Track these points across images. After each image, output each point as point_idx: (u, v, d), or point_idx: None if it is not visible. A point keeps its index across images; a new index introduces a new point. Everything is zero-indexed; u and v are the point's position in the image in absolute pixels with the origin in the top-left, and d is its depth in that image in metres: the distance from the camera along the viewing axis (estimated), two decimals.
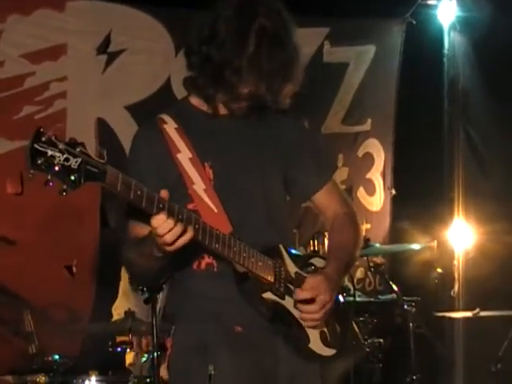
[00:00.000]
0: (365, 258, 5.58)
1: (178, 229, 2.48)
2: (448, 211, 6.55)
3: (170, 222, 2.46)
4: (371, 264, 5.62)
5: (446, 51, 6.65)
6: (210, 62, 2.75)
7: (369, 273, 6.35)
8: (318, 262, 2.98)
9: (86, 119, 5.40)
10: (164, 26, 5.56)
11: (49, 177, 2.22)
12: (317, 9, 5.84)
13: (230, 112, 2.83)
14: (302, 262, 2.92)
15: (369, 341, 5.26)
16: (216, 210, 2.74)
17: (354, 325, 5.23)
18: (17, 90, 5.19)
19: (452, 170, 6.60)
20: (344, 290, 5.72)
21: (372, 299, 5.93)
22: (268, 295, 2.75)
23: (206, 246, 2.61)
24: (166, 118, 2.86)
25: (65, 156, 2.23)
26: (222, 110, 2.86)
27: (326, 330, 2.89)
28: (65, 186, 2.25)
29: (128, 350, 4.89)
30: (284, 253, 2.85)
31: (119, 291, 5.00)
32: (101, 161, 2.33)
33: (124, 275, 4.90)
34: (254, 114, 2.84)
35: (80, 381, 4.36)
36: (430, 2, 6.57)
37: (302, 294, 2.78)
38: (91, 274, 5.32)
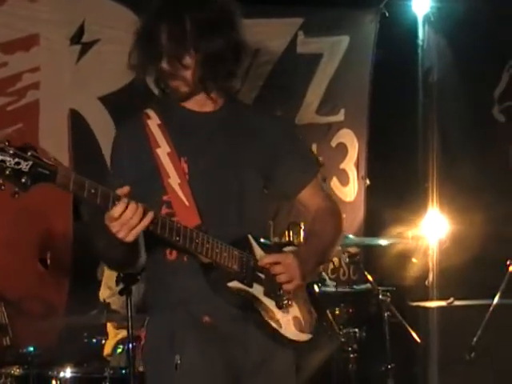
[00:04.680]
0: (339, 247, 5.58)
1: (133, 222, 2.56)
2: (422, 201, 6.57)
3: (126, 215, 2.54)
4: (346, 254, 5.63)
5: (420, 42, 6.66)
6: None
7: (343, 263, 6.36)
8: (290, 250, 3.00)
9: (59, 110, 5.34)
10: (138, 16, 5.51)
11: (0, 180, 2.34)
12: None
13: (173, 91, 2.90)
14: (274, 251, 2.94)
15: (344, 331, 5.27)
16: (187, 203, 2.82)
17: (329, 315, 5.24)
18: None
19: (426, 161, 6.62)
20: (319, 280, 5.75)
21: (347, 289, 5.95)
22: (234, 284, 2.80)
23: (167, 240, 2.68)
24: (151, 113, 2.97)
25: (16, 160, 2.33)
26: (204, 107, 2.94)
27: (299, 315, 2.93)
28: (16, 189, 2.36)
29: (103, 341, 4.90)
30: (253, 243, 2.89)
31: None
32: (51, 163, 2.42)
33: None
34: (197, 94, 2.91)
35: (55, 373, 4.36)
36: None
37: (266, 259, 2.85)
38: (65, 267, 5.30)
